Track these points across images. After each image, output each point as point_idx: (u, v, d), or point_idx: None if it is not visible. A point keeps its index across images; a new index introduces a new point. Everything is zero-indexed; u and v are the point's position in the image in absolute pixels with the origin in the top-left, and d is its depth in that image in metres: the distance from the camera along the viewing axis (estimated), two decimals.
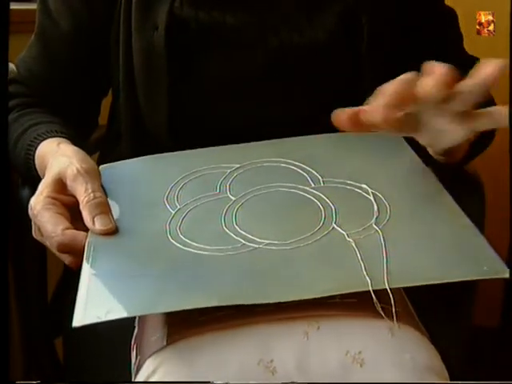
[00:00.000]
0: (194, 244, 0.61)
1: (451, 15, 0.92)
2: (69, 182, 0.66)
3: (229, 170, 0.70)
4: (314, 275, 0.56)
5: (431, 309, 0.75)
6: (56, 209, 0.65)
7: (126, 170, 0.74)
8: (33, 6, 0.89)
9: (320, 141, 0.75)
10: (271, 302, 0.54)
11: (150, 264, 0.60)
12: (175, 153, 0.75)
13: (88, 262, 0.61)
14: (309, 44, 0.81)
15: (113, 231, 0.64)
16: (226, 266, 0.59)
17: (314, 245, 0.60)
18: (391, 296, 0.55)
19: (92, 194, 0.65)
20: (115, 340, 0.72)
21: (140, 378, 0.59)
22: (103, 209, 0.65)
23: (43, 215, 0.65)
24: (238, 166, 0.71)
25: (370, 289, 0.54)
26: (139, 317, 0.66)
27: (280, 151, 0.73)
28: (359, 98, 0.84)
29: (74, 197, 0.66)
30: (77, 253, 0.63)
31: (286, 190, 0.68)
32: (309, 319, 0.57)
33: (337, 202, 0.65)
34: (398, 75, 0.87)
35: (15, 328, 0.87)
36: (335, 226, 0.62)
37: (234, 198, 0.67)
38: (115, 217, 0.65)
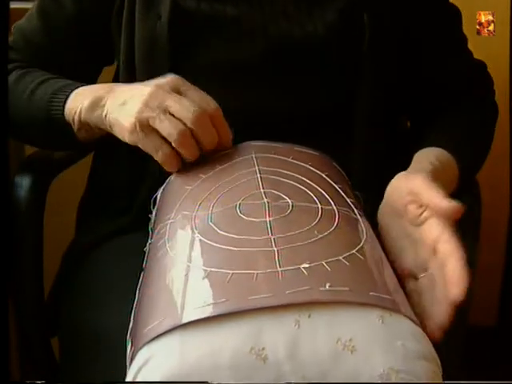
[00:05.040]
0: None
1: (454, 14, 0.92)
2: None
3: None
4: None
5: None
6: None
7: None
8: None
9: None
10: None
11: None
12: None
13: None
14: (308, 38, 0.82)
15: None
16: None
17: None
18: None
19: None
20: (112, 339, 0.72)
21: (133, 369, 0.59)
22: None
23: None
24: None
25: None
26: (134, 310, 0.67)
27: None
28: (358, 94, 0.85)
29: None
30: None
31: None
32: (300, 307, 0.57)
33: None
34: (398, 73, 0.88)
35: (11, 327, 0.87)
36: None
37: None
38: None
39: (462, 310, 0.91)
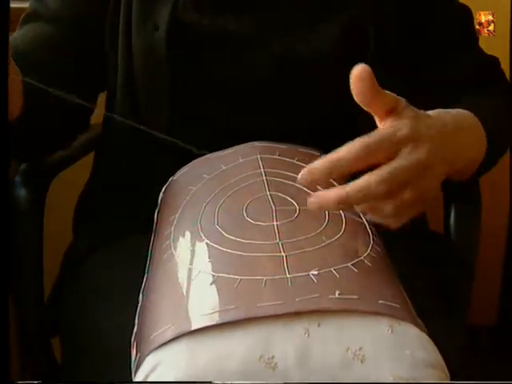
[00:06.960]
0: None
1: (463, 14, 0.90)
2: None
3: None
4: None
5: (428, 309, 0.76)
6: None
7: None
8: None
9: None
10: None
11: None
12: None
13: None
14: (312, 53, 0.81)
15: None
16: None
17: None
18: None
19: None
20: (112, 340, 0.72)
21: (140, 375, 0.59)
22: None
23: None
24: None
25: None
26: (139, 314, 0.66)
27: None
28: (361, 109, 0.84)
29: None
30: None
31: None
32: (309, 315, 0.57)
33: None
34: (402, 86, 0.87)
35: (11, 327, 0.87)
36: None
37: None
38: None
39: (462, 310, 0.92)
